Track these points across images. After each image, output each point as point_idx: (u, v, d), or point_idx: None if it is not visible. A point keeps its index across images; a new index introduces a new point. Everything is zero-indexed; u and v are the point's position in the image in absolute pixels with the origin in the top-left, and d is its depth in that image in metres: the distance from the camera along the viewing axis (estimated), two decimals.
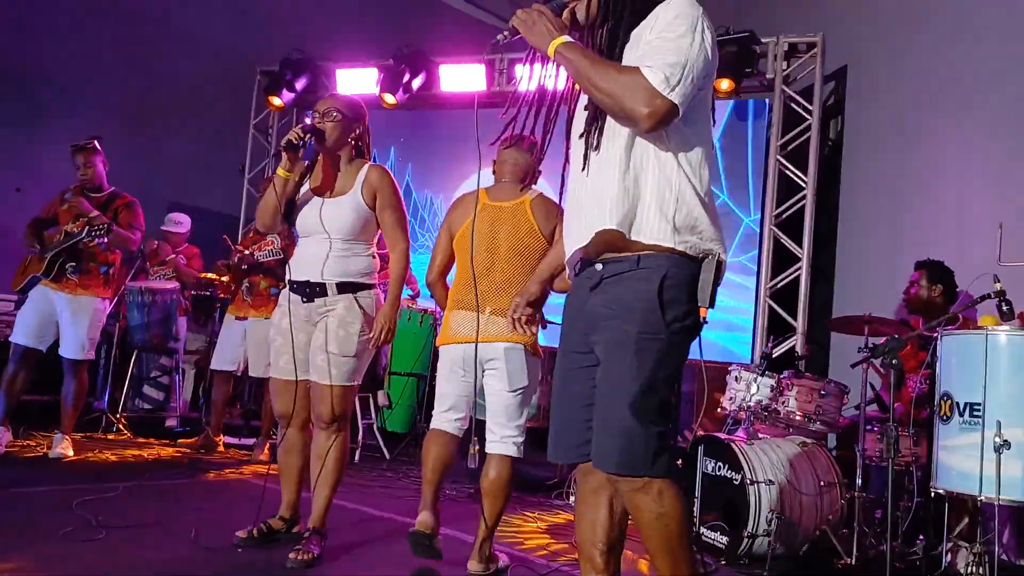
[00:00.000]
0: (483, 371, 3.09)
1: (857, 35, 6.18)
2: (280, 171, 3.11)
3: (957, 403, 3.06)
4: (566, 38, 1.93)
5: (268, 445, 5.24)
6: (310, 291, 3.13)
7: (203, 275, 6.23)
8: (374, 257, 3.23)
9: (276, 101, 7.76)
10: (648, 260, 1.91)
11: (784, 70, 6.27)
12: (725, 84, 6.06)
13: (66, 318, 4.65)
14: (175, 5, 7.63)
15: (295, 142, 3.07)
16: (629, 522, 2.08)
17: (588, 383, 2.00)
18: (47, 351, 4.71)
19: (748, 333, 6.20)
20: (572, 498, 4.77)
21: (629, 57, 1.96)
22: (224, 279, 5.56)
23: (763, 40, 6.22)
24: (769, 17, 6.55)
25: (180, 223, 6.53)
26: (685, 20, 1.89)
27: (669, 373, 1.92)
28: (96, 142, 4.90)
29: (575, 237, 2.03)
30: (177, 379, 6.44)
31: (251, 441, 5.54)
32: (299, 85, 7.69)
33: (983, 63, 4.85)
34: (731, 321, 6.28)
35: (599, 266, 1.98)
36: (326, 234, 3.13)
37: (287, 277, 3.23)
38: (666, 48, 1.86)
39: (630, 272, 1.93)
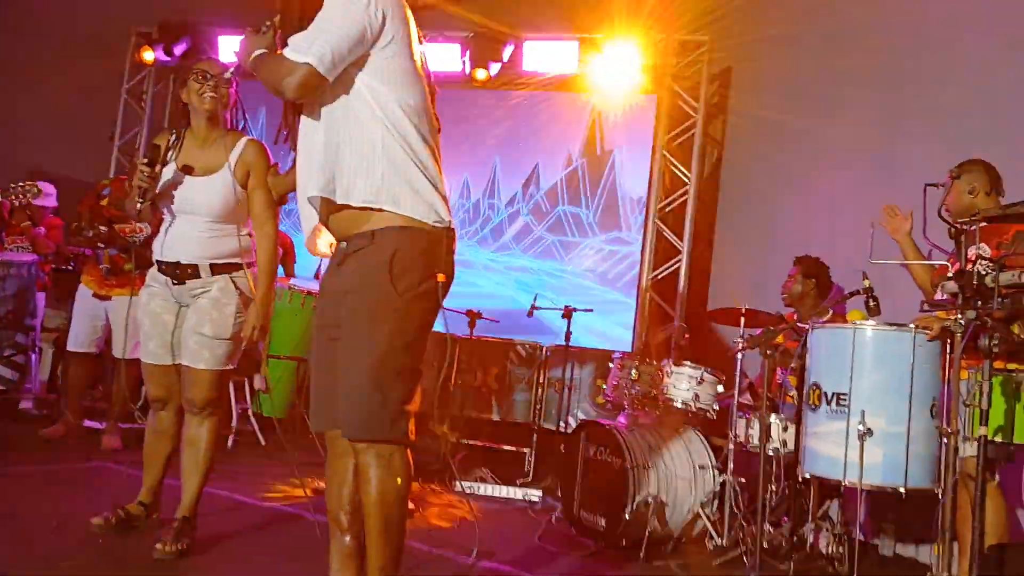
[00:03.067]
0: None
1: (742, 38, 6.39)
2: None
3: (825, 392, 3.21)
4: (258, 51, 2.11)
5: (119, 431, 4.85)
6: (180, 272, 2.95)
7: (60, 247, 5.71)
8: (250, 236, 3.05)
9: (148, 56, 7.25)
10: (382, 235, 2.02)
11: (673, 67, 6.42)
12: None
13: None
14: None
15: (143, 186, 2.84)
16: None
17: (336, 357, 2.10)
18: None
19: (630, 321, 6.34)
20: (457, 482, 4.75)
21: None
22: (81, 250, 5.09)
23: (656, 36, 6.35)
24: (661, 15, 6.67)
25: (49, 195, 5.97)
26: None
27: (406, 340, 2.02)
28: None
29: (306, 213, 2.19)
30: (33, 358, 5.98)
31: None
32: (177, 50, 7.26)
33: (857, 71, 5.11)
34: (613, 309, 6.40)
35: (344, 244, 2.12)
36: (197, 214, 2.95)
37: (154, 257, 3.02)
38: (312, 24, 2.02)
39: (366, 247, 2.04)
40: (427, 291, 2.03)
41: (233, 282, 2.97)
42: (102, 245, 4.72)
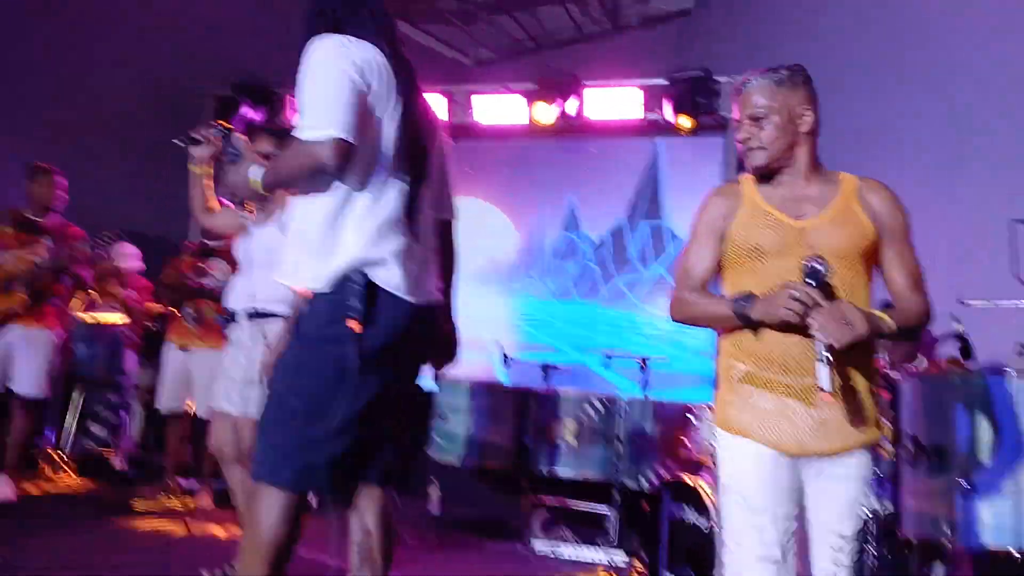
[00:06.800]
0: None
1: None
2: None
3: (924, 446, 3.07)
4: (256, 171, 2.12)
5: (210, 491, 4.91)
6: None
7: (149, 306, 5.91)
8: None
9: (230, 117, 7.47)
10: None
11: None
12: (686, 122, 6.15)
13: (22, 352, 4.43)
14: (109, 20, 7.31)
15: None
16: None
17: None
18: None
19: (709, 370, 6.22)
20: (533, 540, 4.68)
21: None
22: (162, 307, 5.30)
23: (718, 79, 6.31)
24: (723, 56, 6.63)
25: (133, 255, 6.13)
26: (306, 66, 1.98)
27: (297, 386, 2.01)
28: None
29: None
30: (124, 417, 6.15)
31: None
32: (252, 112, 7.48)
33: (927, 125, 4.99)
34: (692, 363, 6.30)
35: None
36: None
37: None
38: (304, 105, 1.96)
39: None
40: (331, 337, 1.97)
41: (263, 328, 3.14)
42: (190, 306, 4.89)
